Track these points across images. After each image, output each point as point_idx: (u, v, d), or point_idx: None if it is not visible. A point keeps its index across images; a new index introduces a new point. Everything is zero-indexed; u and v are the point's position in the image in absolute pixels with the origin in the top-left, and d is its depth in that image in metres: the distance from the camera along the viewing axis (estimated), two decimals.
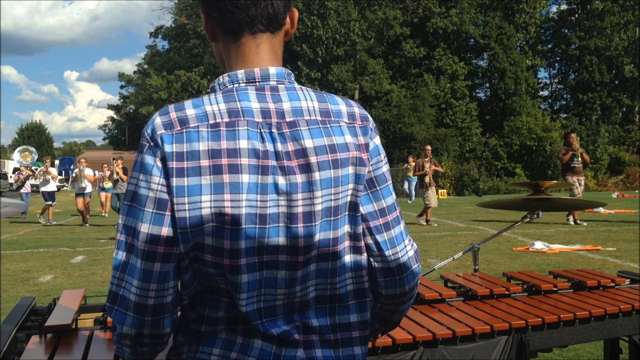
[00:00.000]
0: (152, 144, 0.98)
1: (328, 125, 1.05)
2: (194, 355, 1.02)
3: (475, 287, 2.41)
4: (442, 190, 30.22)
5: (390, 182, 1.13)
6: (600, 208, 13.29)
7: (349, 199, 1.05)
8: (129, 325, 0.99)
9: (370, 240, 1.10)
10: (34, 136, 54.48)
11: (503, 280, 2.63)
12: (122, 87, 48.37)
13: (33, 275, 7.13)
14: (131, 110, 45.44)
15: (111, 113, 49.90)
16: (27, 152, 16.65)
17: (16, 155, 15.72)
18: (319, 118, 1.05)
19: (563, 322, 2.18)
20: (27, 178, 15.50)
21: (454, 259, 3.09)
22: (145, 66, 44.54)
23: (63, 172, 39.57)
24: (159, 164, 0.97)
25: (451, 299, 2.35)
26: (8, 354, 1.68)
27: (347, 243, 1.06)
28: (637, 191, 26.77)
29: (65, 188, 34.74)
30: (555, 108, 43.17)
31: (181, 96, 35.99)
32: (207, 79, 36.69)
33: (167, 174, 0.97)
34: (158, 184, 0.97)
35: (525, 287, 2.51)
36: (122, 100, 48.14)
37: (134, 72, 47.07)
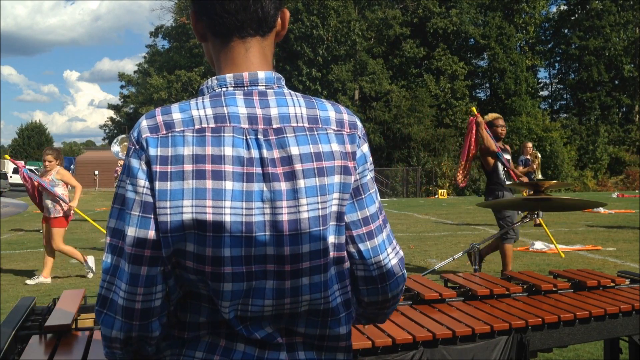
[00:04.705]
0: (137, 147, 0.98)
1: (315, 133, 1.03)
2: (177, 358, 1.01)
3: (475, 287, 2.41)
4: (442, 190, 30.23)
5: (375, 189, 1.11)
6: (600, 208, 13.30)
7: (335, 208, 1.03)
8: (117, 329, 0.99)
9: (352, 249, 1.08)
10: (34, 136, 54.41)
11: (503, 280, 2.63)
12: (122, 87, 48.49)
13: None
14: (131, 110, 45.48)
15: (111, 113, 50.03)
16: (127, 144, 14.79)
17: (115, 147, 13.93)
18: (306, 125, 1.03)
19: (563, 322, 2.18)
20: None
21: (454, 259, 3.10)
22: (146, 66, 44.60)
23: None
24: (144, 167, 0.96)
25: (451, 299, 2.35)
26: (8, 354, 1.68)
27: (332, 254, 1.05)
28: (637, 191, 26.78)
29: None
30: (555, 108, 43.22)
31: (181, 96, 36.01)
32: (207, 78, 36.56)
33: (151, 177, 0.96)
34: (143, 187, 0.96)
35: (525, 287, 2.50)
36: (122, 100, 48.22)
37: (135, 72, 47.17)
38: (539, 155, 11.01)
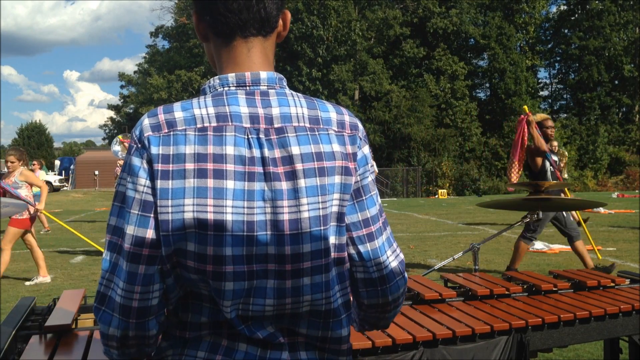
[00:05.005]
0: (139, 145, 0.98)
1: (316, 133, 1.03)
2: (179, 358, 1.02)
3: (475, 287, 2.41)
4: (442, 190, 30.25)
5: (376, 191, 1.12)
6: (600, 208, 13.31)
7: (335, 208, 1.03)
8: (114, 326, 0.99)
9: (352, 251, 1.08)
10: (34, 136, 54.30)
11: (503, 280, 2.63)
12: (122, 87, 48.52)
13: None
14: (131, 110, 45.50)
15: (111, 113, 50.06)
16: (126, 143, 13.44)
17: (115, 147, 13.15)
18: (307, 125, 1.03)
19: (563, 322, 2.18)
20: None
21: (454, 259, 3.09)
22: (146, 66, 44.62)
23: (63, 172, 39.59)
24: (145, 165, 0.97)
25: (451, 299, 2.35)
26: (8, 354, 1.68)
27: (333, 254, 1.05)
28: (637, 191, 26.80)
29: (65, 188, 34.78)
30: (555, 108, 43.22)
31: (181, 96, 36.00)
32: (207, 78, 36.55)
33: (152, 176, 0.96)
34: (144, 185, 0.96)
35: (525, 287, 2.51)
36: (122, 100, 48.24)
37: (134, 72, 47.19)
38: (567, 154, 10.61)
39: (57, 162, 42.12)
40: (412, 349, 1.92)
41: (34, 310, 2.08)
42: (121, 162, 11.46)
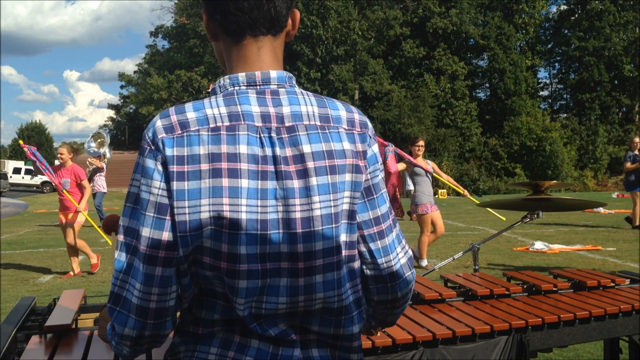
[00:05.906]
0: (153, 147, 0.98)
1: (327, 131, 1.04)
2: (192, 354, 1.02)
3: (475, 287, 2.41)
4: (442, 190, 30.25)
5: (385, 189, 1.13)
6: (600, 208, 13.31)
7: (346, 206, 1.04)
8: (130, 327, 0.99)
9: (363, 248, 1.09)
10: (34, 136, 54.32)
11: (503, 280, 2.63)
12: (122, 87, 48.58)
13: (33, 275, 7.13)
14: (131, 110, 45.54)
15: (111, 113, 50.12)
16: (101, 140, 12.25)
17: (90, 143, 12.21)
18: (318, 123, 1.04)
19: (563, 322, 2.18)
20: (95, 172, 11.41)
21: (454, 259, 3.09)
22: (146, 66, 44.65)
23: None
24: (160, 167, 0.97)
25: (451, 299, 2.35)
26: (8, 354, 1.68)
27: (345, 252, 1.06)
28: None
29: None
30: (555, 108, 43.25)
31: (181, 96, 36.02)
32: (208, 78, 36.74)
33: (167, 177, 0.96)
34: (159, 188, 0.97)
35: (525, 287, 2.51)
36: (122, 101, 48.28)
37: (134, 72, 47.23)
38: None
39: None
40: (412, 349, 1.93)
41: (34, 310, 2.08)
42: (93, 160, 11.20)
